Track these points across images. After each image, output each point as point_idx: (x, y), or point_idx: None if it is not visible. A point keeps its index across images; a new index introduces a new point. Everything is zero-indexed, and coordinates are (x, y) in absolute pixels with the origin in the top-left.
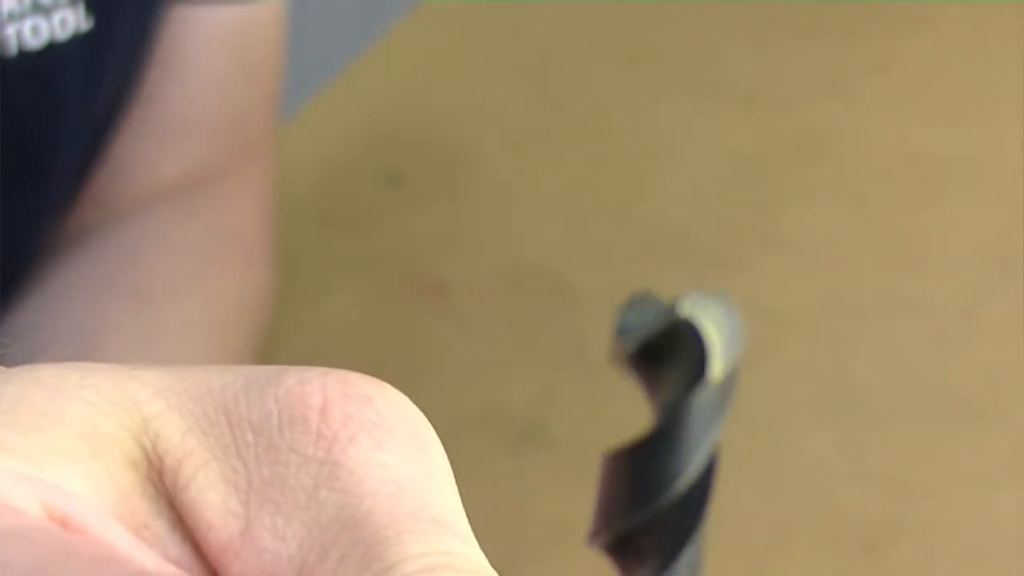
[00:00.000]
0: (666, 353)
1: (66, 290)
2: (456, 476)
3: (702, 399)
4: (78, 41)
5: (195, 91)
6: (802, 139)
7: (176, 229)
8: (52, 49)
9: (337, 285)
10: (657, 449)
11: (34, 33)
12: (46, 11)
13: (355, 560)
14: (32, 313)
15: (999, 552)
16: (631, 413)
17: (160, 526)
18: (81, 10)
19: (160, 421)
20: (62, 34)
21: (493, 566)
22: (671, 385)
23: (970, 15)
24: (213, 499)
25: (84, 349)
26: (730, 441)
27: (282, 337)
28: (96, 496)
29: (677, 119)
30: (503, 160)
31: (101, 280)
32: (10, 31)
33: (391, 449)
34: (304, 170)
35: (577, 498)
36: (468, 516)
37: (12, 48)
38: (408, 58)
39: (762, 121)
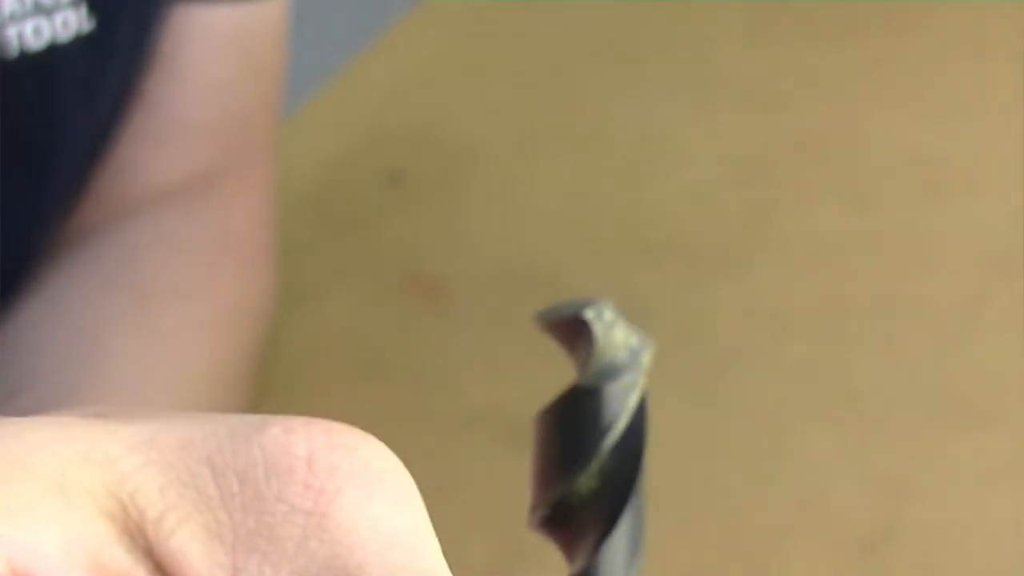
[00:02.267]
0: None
1: (67, 291)
2: (454, 476)
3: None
4: (80, 42)
5: (197, 91)
6: (802, 139)
7: (177, 229)
8: (54, 50)
9: (337, 285)
10: (573, 416)
11: (36, 34)
12: (48, 12)
13: None
14: (32, 314)
15: (999, 552)
16: None
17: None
18: (83, 11)
19: (138, 476)
20: (64, 35)
21: (491, 566)
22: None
23: (970, 15)
24: (197, 550)
25: (84, 349)
26: (730, 440)
27: (282, 337)
28: (70, 549)
29: (677, 119)
30: (503, 160)
31: (102, 280)
32: (11, 32)
33: (379, 500)
34: (304, 170)
35: None
36: (467, 516)
37: (13, 49)
38: (408, 58)
39: (762, 121)
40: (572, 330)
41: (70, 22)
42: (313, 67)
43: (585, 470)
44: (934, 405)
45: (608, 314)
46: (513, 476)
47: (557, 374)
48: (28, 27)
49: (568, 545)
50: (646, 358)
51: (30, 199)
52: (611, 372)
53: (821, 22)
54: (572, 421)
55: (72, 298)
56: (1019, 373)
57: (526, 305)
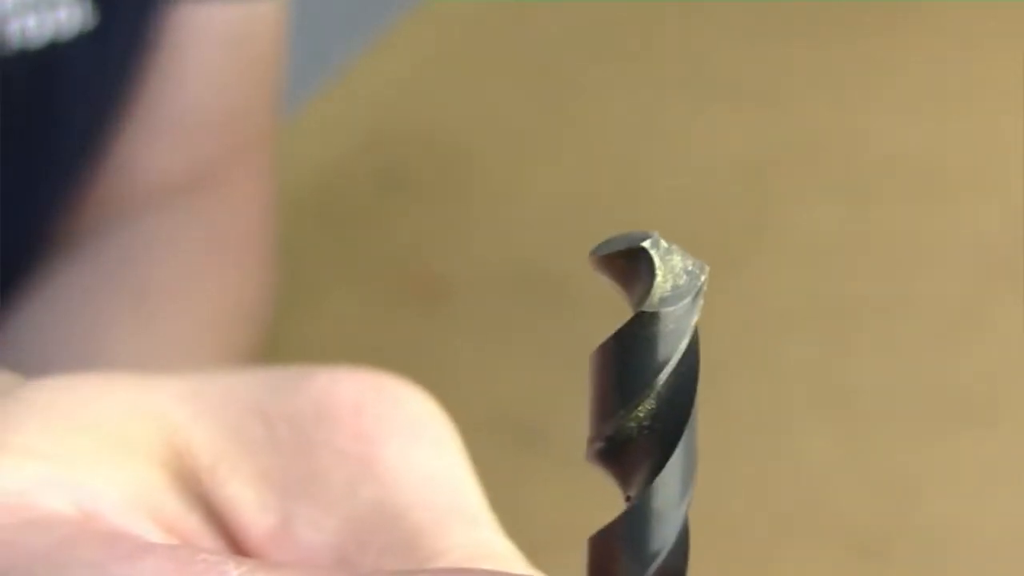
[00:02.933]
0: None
1: (66, 290)
2: None
3: (666, 307)
4: (82, 38)
5: (196, 89)
6: (802, 139)
7: (176, 229)
8: (56, 45)
9: (337, 285)
10: (633, 344)
11: (38, 29)
12: (51, 7)
13: (398, 550)
14: (31, 313)
15: (999, 552)
16: None
17: (193, 521)
18: (87, 6)
19: (189, 426)
20: (66, 30)
21: None
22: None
23: (970, 15)
24: (249, 496)
25: (84, 349)
26: (730, 440)
27: (282, 337)
28: (127, 496)
29: (677, 119)
30: (503, 160)
31: (101, 280)
32: (14, 27)
33: (423, 448)
34: (304, 170)
35: (577, 499)
36: None
37: (15, 43)
38: (408, 58)
39: (762, 121)
40: (629, 262)
41: (72, 17)
42: (313, 67)
43: (646, 397)
44: (934, 405)
45: (663, 242)
46: (514, 476)
47: (557, 374)
48: (30, 22)
49: (622, 476)
50: (703, 279)
51: (30, 194)
52: (673, 297)
53: (820, 22)
54: (633, 348)
55: (71, 298)
56: (1019, 373)
57: (526, 305)
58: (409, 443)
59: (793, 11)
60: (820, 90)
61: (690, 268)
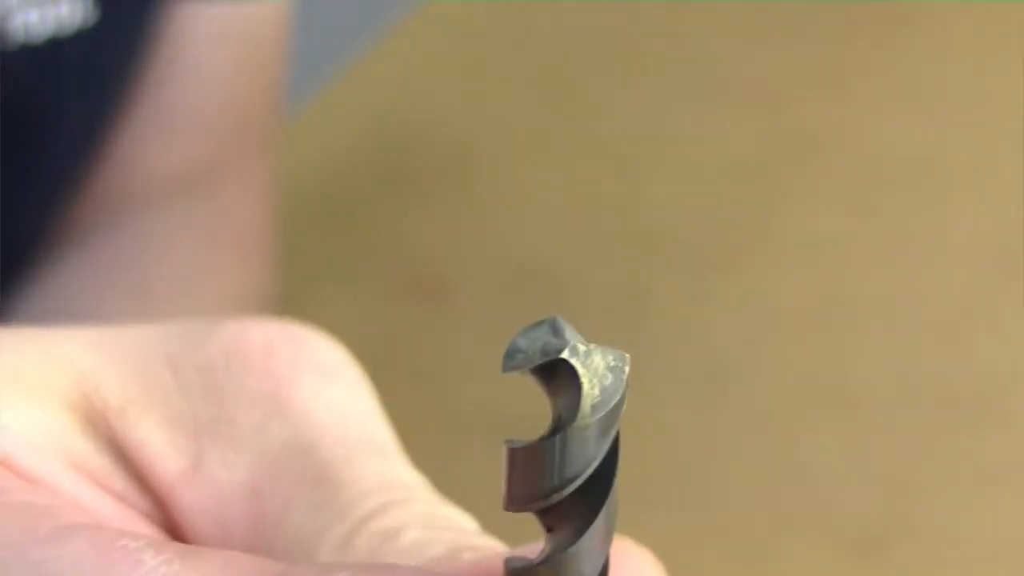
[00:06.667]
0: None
1: (66, 288)
2: (453, 475)
3: (582, 426)
4: (82, 33)
5: (197, 87)
6: (802, 139)
7: (176, 227)
8: (56, 41)
9: (337, 285)
10: (562, 450)
11: (40, 24)
12: (53, 1)
13: (310, 482)
14: (30, 309)
15: (999, 552)
16: (630, 413)
17: (103, 462)
18: (88, 2)
19: (99, 372)
20: (67, 25)
21: None
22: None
23: (970, 15)
24: (158, 438)
25: None
26: (730, 440)
27: None
28: (36, 436)
29: (677, 119)
30: (503, 160)
31: (100, 277)
32: (16, 22)
33: (334, 387)
34: (304, 170)
35: None
36: (468, 515)
37: (17, 39)
38: (408, 58)
39: (762, 121)
40: (549, 374)
41: (74, 13)
42: (314, 67)
43: (569, 490)
44: (934, 405)
45: (580, 346)
46: None
47: None
48: (32, 17)
49: (544, 523)
50: (627, 370)
51: (29, 190)
52: (603, 402)
53: (820, 22)
54: (562, 454)
55: (71, 296)
56: (1019, 373)
57: (526, 305)
58: (319, 383)
59: (793, 11)
60: (820, 90)
61: (612, 364)
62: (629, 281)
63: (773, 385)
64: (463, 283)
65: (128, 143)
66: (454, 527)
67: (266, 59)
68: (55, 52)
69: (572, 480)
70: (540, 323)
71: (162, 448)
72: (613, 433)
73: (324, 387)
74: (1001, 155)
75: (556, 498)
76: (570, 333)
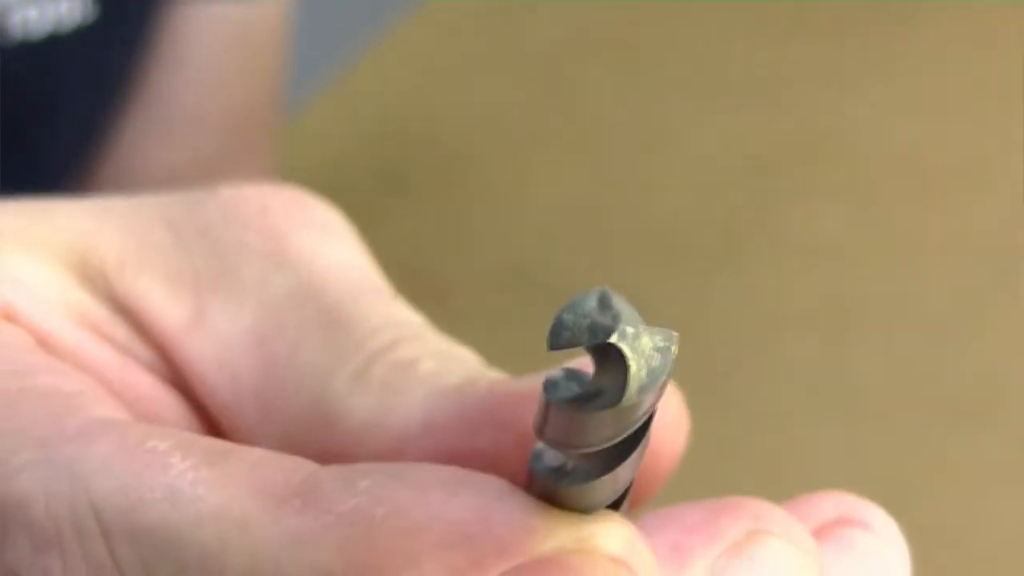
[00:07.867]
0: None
1: None
2: None
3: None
4: (82, 31)
5: (198, 86)
6: (802, 139)
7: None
8: (55, 37)
9: None
10: (588, 422)
11: (39, 21)
12: None
13: (316, 324)
14: None
15: (999, 552)
16: None
17: (103, 313)
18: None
19: (95, 232)
20: (67, 23)
21: None
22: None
23: (970, 15)
24: (159, 292)
25: None
26: (730, 440)
27: None
28: (40, 290)
29: (677, 119)
30: (503, 160)
31: None
32: (15, 19)
33: (332, 241)
34: (305, 170)
35: None
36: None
37: (16, 36)
38: (408, 58)
39: (762, 121)
40: (596, 354)
41: (74, 10)
42: (314, 68)
43: (595, 451)
44: (934, 405)
45: (628, 329)
46: None
47: None
48: (32, 14)
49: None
50: (674, 349)
51: (29, 186)
52: (650, 382)
53: (820, 22)
54: (592, 424)
55: None
56: (1019, 373)
57: (526, 305)
58: (317, 237)
59: (793, 11)
60: (820, 90)
61: (660, 344)
62: (629, 281)
63: (772, 383)
64: (462, 283)
65: (128, 143)
66: (466, 359)
67: (266, 59)
68: (54, 49)
69: (604, 441)
70: (587, 295)
71: (163, 301)
72: (654, 405)
73: (322, 241)
74: (1001, 155)
75: (584, 451)
76: (619, 307)
